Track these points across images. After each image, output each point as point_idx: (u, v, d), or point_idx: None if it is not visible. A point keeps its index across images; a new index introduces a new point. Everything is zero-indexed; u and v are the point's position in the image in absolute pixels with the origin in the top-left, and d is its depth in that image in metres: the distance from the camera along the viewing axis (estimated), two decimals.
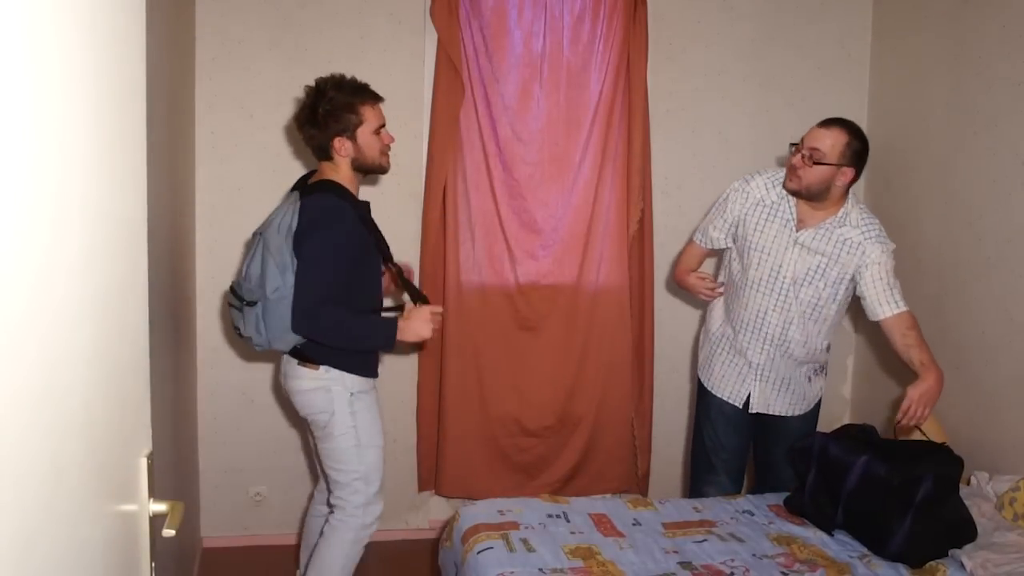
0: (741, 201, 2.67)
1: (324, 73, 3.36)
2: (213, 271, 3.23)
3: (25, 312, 0.65)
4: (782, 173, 2.61)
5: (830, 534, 2.40)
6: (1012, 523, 2.37)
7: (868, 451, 2.38)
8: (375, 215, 3.39)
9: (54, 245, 0.72)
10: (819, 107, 3.59)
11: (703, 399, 2.87)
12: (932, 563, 2.19)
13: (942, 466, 2.31)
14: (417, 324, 2.32)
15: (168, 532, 1.06)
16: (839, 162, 2.47)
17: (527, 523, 2.40)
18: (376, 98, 2.40)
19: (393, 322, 2.32)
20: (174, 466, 2.54)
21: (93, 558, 0.84)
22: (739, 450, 2.85)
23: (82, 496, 0.80)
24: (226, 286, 3.26)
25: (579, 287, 3.43)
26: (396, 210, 3.33)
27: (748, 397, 2.75)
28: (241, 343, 3.27)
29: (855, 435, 2.56)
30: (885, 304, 2.53)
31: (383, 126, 2.41)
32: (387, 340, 2.32)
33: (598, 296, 3.44)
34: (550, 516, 2.46)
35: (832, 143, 2.47)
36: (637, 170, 3.34)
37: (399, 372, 3.39)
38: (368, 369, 2.43)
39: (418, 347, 2.56)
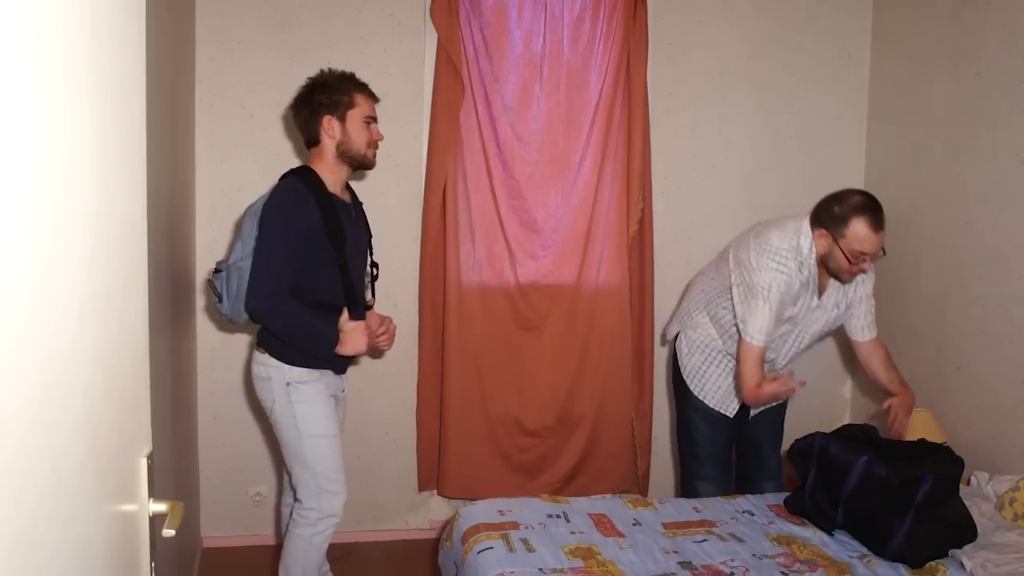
0: (786, 285, 2.55)
1: None
2: None
3: (28, 313, 0.65)
4: (806, 247, 2.53)
5: (830, 534, 2.40)
6: (1012, 523, 2.37)
7: (868, 451, 2.39)
8: (375, 214, 3.40)
9: (56, 246, 0.72)
10: (819, 107, 3.60)
11: (689, 399, 2.88)
12: (932, 563, 2.19)
13: (942, 466, 2.31)
14: (355, 337, 2.36)
15: (168, 532, 1.06)
16: None
17: (527, 523, 2.40)
18: (373, 95, 2.46)
19: (336, 334, 2.35)
20: (174, 466, 2.53)
21: (93, 558, 0.84)
22: (727, 444, 2.91)
23: (82, 496, 0.80)
24: None
25: (579, 287, 3.43)
26: (396, 210, 3.33)
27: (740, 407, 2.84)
28: (241, 342, 3.27)
29: (855, 435, 2.56)
30: (868, 328, 2.74)
31: (375, 121, 2.45)
32: (328, 349, 2.35)
33: (598, 296, 3.44)
34: (550, 516, 2.46)
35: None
36: (637, 170, 3.34)
37: (399, 372, 3.39)
38: (308, 360, 2.38)
39: (378, 354, 2.55)
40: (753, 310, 2.53)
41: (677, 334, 2.94)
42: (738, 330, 2.61)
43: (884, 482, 2.28)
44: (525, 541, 2.28)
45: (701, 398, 2.83)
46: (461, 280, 3.34)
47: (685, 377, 2.87)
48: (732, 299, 2.64)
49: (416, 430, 3.42)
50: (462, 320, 3.33)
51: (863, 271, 2.54)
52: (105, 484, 0.88)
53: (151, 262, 1.19)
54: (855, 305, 2.71)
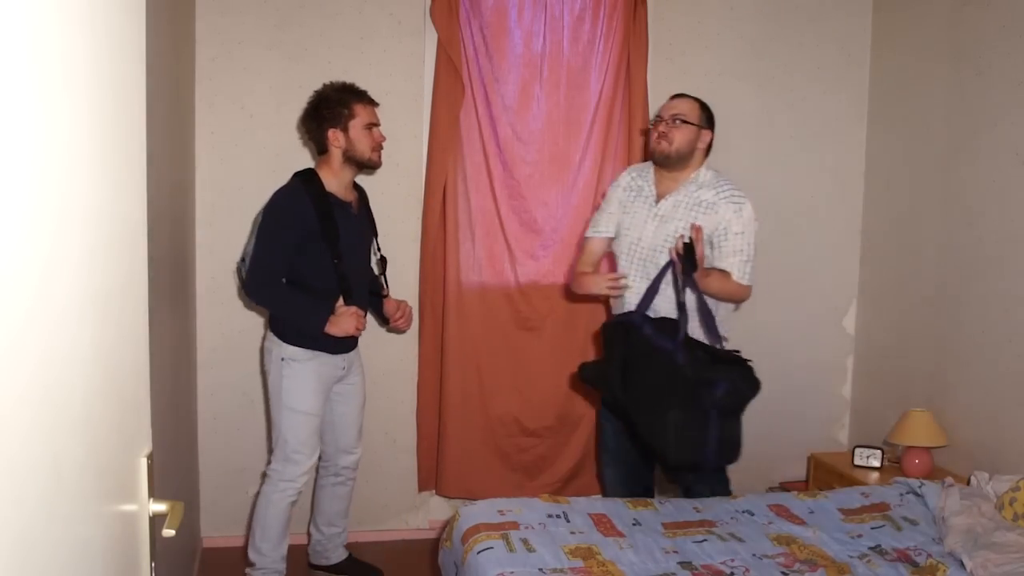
0: (617, 189, 2.80)
1: (324, 73, 3.38)
2: (213, 271, 3.23)
3: (28, 312, 0.65)
4: (649, 164, 2.75)
5: (612, 399, 2.55)
6: (1012, 523, 2.37)
7: (678, 338, 2.45)
8: (376, 214, 3.39)
9: (56, 245, 0.72)
10: (819, 107, 3.60)
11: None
12: (932, 561, 2.20)
13: (736, 381, 2.42)
14: (343, 319, 2.66)
15: (168, 532, 1.06)
16: (700, 123, 2.65)
17: (527, 523, 2.40)
18: (371, 101, 2.74)
19: (324, 315, 2.65)
20: (174, 466, 2.54)
21: (93, 558, 0.84)
22: (628, 445, 2.76)
23: (82, 496, 0.80)
24: (226, 285, 3.27)
25: None
26: (396, 210, 3.33)
27: None
28: (241, 342, 3.28)
29: (673, 325, 2.52)
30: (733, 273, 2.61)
31: (376, 125, 2.73)
32: (315, 327, 2.65)
33: (598, 296, 3.44)
34: (550, 516, 2.46)
35: (690, 108, 2.66)
36: None
37: (399, 372, 3.39)
38: (302, 340, 2.68)
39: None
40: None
41: None
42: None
43: (680, 370, 2.39)
44: (525, 541, 2.28)
45: None
46: (461, 280, 3.34)
47: None
48: None
49: (416, 430, 3.42)
50: (462, 320, 3.33)
51: (663, 130, 2.61)
52: (105, 484, 0.88)
53: (151, 262, 1.19)
54: (723, 243, 2.57)
